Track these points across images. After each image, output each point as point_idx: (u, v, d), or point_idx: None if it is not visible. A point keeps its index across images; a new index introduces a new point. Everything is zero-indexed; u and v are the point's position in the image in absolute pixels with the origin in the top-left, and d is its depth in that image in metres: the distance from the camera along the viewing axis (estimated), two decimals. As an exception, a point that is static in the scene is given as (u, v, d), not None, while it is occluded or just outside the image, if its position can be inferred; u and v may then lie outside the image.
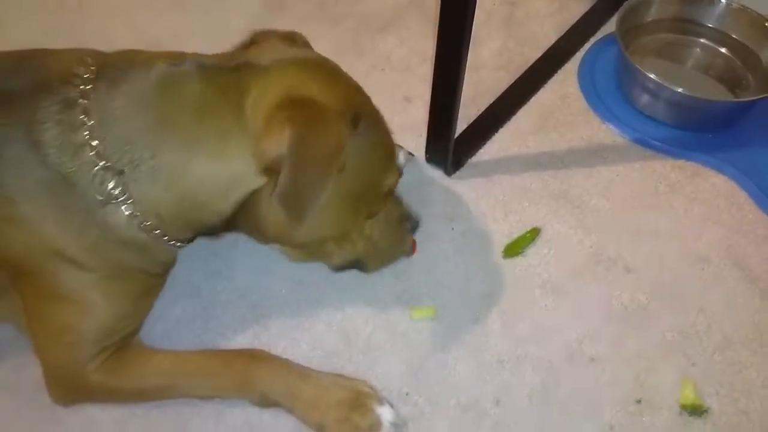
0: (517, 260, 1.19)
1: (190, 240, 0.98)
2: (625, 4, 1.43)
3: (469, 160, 1.33)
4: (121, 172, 0.85)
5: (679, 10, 1.48)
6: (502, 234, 1.22)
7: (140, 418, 0.99)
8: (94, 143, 0.84)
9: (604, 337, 1.10)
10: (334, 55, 1.26)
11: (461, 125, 1.31)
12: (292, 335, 1.09)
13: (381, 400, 0.97)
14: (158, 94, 0.86)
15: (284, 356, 1.02)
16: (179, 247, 0.97)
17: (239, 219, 0.92)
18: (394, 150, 1.01)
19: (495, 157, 1.34)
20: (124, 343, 0.97)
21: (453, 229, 1.21)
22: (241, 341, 1.08)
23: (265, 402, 0.98)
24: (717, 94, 1.41)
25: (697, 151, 1.33)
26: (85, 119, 0.84)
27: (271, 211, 0.89)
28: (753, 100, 1.33)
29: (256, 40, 0.98)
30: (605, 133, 1.38)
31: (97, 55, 0.91)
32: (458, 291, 1.14)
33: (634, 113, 1.40)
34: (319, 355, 1.06)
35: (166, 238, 0.92)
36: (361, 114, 0.90)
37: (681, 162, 1.33)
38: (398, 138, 1.00)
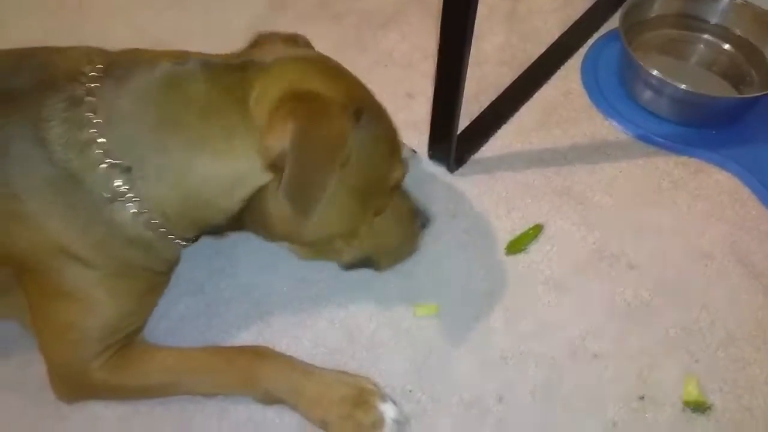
0: (520, 257, 1.19)
1: (195, 239, 0.98)
2: (629, 0, 1.42)
3: (472, 156, 1.32)
4: (127, 170, 0.86)
5: (682, 6, 1.48)
6: (505, 231, 1.21)
7: (144, 415, 1.00)
8: (101, 141, 0.85)
9: (607, 334, 1.10)
10: (336, 52, 1.25)
11: (464, 122, 1.30)
12: (296, 332, 1.09)
13: (384, 397, 0.98)
14: (164, 92, 0.86)
15: (287, 353, 1.02)
16: (184, 246, 0.97)
17: (246, 217, 0.92)
18: (400, 143, 1.00)
19: (498, 154, 1.33)
20: (128, 340, 0.97)
21: (456, 226, 1.21)
22: (245, 338, 1.08)
23: (269, 399, 0.98)
24: (720, 90, 1.41)
25: (700, 148, 1.33)
26: (91, 117, 0.85)
27: (278, 208, 0.89)
28: (757, 97, 1.32)
29: (258, 42, 0.99)
30: (608, 129, 1.38)
31: (102, 53, 0.91)
32: (461, 288, 1.14)
33: (637, 109, 1.39)
34: (323, 352, 1.06)
35: (171, 236, 0.92)
36: (364, 107, 0.90)
37: (684, 158, 1.33)
38: (401, 135, 1.00)
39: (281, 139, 0.82)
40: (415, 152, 1.30)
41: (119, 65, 0.88)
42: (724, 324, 1.11)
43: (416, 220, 1.08)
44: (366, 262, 1.07)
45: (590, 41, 1.53)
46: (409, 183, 1.07)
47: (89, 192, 0.86)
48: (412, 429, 1.00)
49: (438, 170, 1.30)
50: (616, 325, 1.11)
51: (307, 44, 1.02)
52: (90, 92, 0.85)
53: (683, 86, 1.29)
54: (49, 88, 0.86)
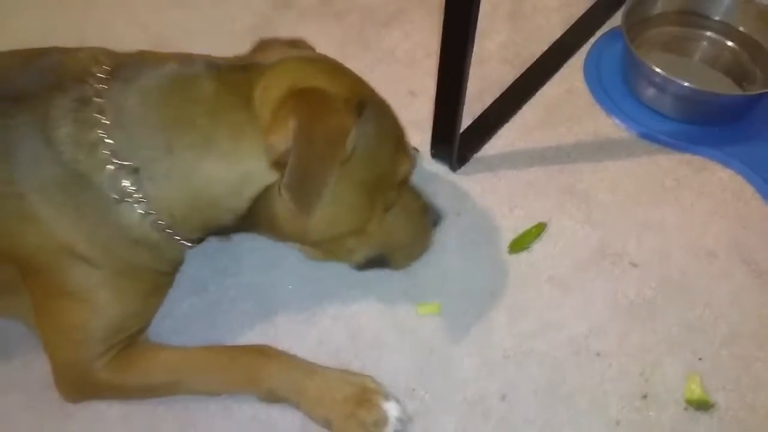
0: (523, 255, 1.19)
1: (200, 240, 0.99)
2: (631, -3, 1.42)
3: (475, 155, 1.32)
4: (135, 171, 0.86)
5: (685, 3, 1.47)
6: (508, 229, 1.21)
7: (147, 414, 1.00)
8: (109, 141, 0.85)
9: (610, 332, 1.10)
10: (338, 50, 1.25)
11: (466, 120, 1.30)
12: (299, 331, 1.09)
13: (387, 396, 0.98)
14: (172, 93, 0.87)
15: (291, 352, 1.02)
16: (189, 246, 0.97)
17: (254, 217, 0.93)
18: (405, 137, 1.01)
19: (500, 152, 1.33)
20: (132, 340, 0.97)
21: (458, 224, 1.21)
22: (249, 337, 1.08)
23: (272, 398, 0.98)
24: (724, 87, 1.40)
25: (703, 146, 1.32)
26: (100, 118, 0.85)
27: (285, 207, 0.90)
28: (760, 94, 1.32)
29: (260, 46, 1.00)
30: (611, 127, 1.38)
31: (109, 54, 0.92)
32: (464, 286, 1.14)
33: (640, 107, 1.39)
34: (326, 351, 1.07)
35: (177, 237, 0.93)
36: (366, 101, 0.90)
37: (687, 156, 1.33)
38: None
39: (285, 136, 0.83)
40: (417, 151, 1.30)
41: (126, 67, 0.89)
42: (728, 322, 1.11)
43: (427, 216, 1.09)
44: (379, 261, 1.07)
45: (593, 39, 1.53)
46: (412, 182, 1.07)
47: (97, 192, 0.86)
48: (414, 427, 1.00)
49: (440, 169, 1.30)
50: (619, 323, 1.11)
51: (309, 48, 1.03)
52: (98, 93, 0.86)
53: (687, 83, 1.29)
54: (56, 89, 0.86)
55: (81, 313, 0.92)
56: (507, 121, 1.38)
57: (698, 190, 1.28)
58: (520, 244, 1.19)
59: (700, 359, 1.07)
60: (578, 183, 1.28)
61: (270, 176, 0.88)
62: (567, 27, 1.55)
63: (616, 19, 1.54)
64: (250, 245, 1.17)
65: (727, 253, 1.19)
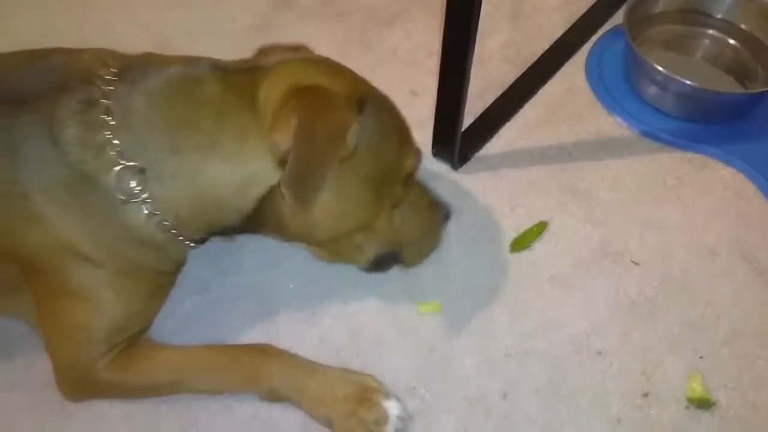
0: (524, 254, 1.18)
1: (204, 240, 0.99)
2: (633, -4, 1.42)
3: (476, 154, 1.32)
4: (142, 171, 0.87)
5: (687, 1, 1.47)
6: (509, 228, 1.21)
7: (149, 413, 1.00)
8: (116, 142, 0.86)
9: (612, 331, 1.10)
10: (340, 50, 1.26)
11: (468, 119, 1.30)
12: (300, 330, 1.09)
13: (388, 395, 0.98)
14: (178, 94, 0.88)
15: (292, 351, 1.02)
16: (193, 247, 0.98)
17: (260, 217, 0.93)
18: (409, 132, 1.01)
19: (502, 151, 1.33)
20: (134, 340, 0.97)
21: (460, 223, 1.21)
22: (250, 336, 1.08)
23: (273, 397, 0.99)
24: (726, 85, 1.40)
25: (705, 144, 1.32)
26: (107, 119, 0.86)
27: (289, 206, 0.90)
28: (762, 92, 1.32)
29: (262, 52, 1.00)
30: (613, 125, 1.38)
31: (115, 56, 0.93)
32: (465, 285, 1.14)
33: (641, 105, 1.39)
34: (327, 350, 1.07)
35: (181, 238, 0.93)
36: (367, 97, 0.91)
37: (689, 154, 1.32)
38: (406, 129, 1.01)
39: (287, 134, 0.83)
40: (418, 150, 1.30)
41: (133, 68, 0.90)
42: (729, 320, 1.11)
43: (437, 212, 1.09)
44: (390, 259, 1.07)
45: (594, 38, 1.53)
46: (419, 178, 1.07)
47: (103, 193, 0.87)
48: (415, 426, 1.00)
49: (442, 168, 1.30)
50: (620, 322, 1.11)
51: (310, 53, 1.04)
52: (105, 95, 0.87)
53: (688, 82, 1.28)
54: (62, 90, 0.87)
55: (84, 313, 0.92)
56: (508, 120, 1.38)
57: (700, 188, 1.28)
58: (522, 242, 1.19)
59: (701, 357, 1.07)
60: (580, 182, 1.28)
61: (275, 176, 0.88)
62: (568, 26, 1.55)
63: (617, 18, 1.54)
64: (252, 245, 1.17)
65: (729, 252, 1.19)
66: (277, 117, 0.85)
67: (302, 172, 0.84)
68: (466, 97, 1.18)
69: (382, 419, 0.96)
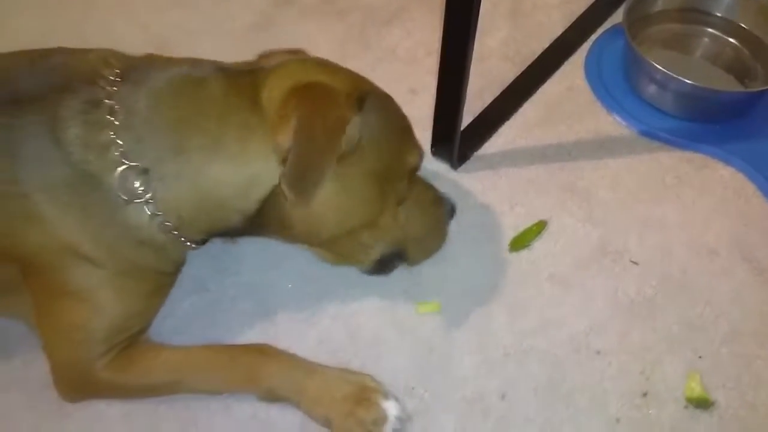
0: (524, 253, 1.18)
1: (204, 241, 0.99)
2: (633, -5, 1.42)
3: (475, 153, 1.32)
4: (145, 171, 0.87)
5: (686, 0, 1.47)
6: (509, 227, 1.21)
7: (148, 413, 1.00)
8: (120, 143, 0.86)
9: (611, 330, 1.10)
10: (339, 48, 1.25)
11: (467, 118, 1.30)
12: (299, 330, 1.09)
13: (386, 395, 0.98)
14: (181, 95, 0.89)
15: (291, 351, 1.02)
16: (193, 248, 0.98)
17: (264, 218, 0.93)
18: (410, 128, 1.01)
19: (501, 150, 1.33)
20: (133, 340, 0.97)
21: (459, 222, 1.21)
22: (249, 336, 1.08)
23: (272, 397, 0.99)
24: (725, 84, 1.40)
25: (704, 143, 1.32)
26: (110, 119, 0.86)
27: (291, 201, 0.90)
28: (762, 91, 1.32)
29: (262, 56, 1.01)
30: (612, 124, 1.38)
31: (118, 56, 0.94)
32: (464, 285, 1.14)
33: (641, 104, 1.39)
34: (325, 350, 1.07)
35: (182, 239, 0.93)
36: (368, 93, 0.92)
37: (689, 154, 1.32)
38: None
39: (290, 134, 0.84)
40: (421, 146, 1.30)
41: (136, 69, 0.90)
42: (728, 320, 1.11)
43: (441, 208, 1.09)
44: (396, 258, 1.07)
45: (594, 36, 1.52)
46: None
47: (106, 193, 0.87)
48: (414, 426, 1.00)
49: (441, 167, 1.30)
50: (619, 321, 1.11)
51: (307, 55, 1.04)
52: (108, 95, 0.87)
53: (688, 80, 1.28)
54: (65, 91, 0.87)
55: (83, 313, 0.92)
56: (508, 119, 1.38)
57: (699, 187, 1.28)
58: (521, 241, 1.19)
59: (700, 357, 1.07)
60: (579, 181, 1.28)
61: (278, 176, 0.88)
62: (568, 24, 1.55)
63: (617, 17, 1.54)
64: (251, 245, 1.17)
65: (728, 251, 1.19)
66: (280, 117, 0.86)
67: (301, 166, 0.85)
68: (465, 95, 1.18)
69: (381, 419, 0.96)
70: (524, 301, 1.13)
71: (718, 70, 1.43)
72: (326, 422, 0.97)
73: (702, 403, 1.02)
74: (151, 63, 0.92)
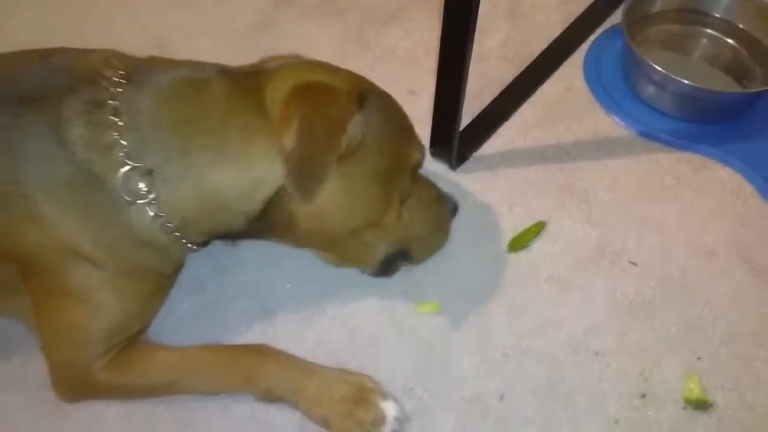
0: (522, 254, 1.18)
1: (206, 243, 0.99)
2: (631, -5, 1.42)
3: (474, 153, 1.32)
4: (149, 173, 0.87)
5: (685, 1, 1.47)
6: (507, 228, 1.21)
7: (146, 414, 1.00)
8: (124, 143, 0.86)
9: (609, 331, 1.10)
10: (339, 48, 1.25)
11: (466, 118, 1.30)
12: (298, 330, 1.09)
13: (385, 395, 0.98)
14: (186, 96, 0.89)
15: (290, 351, 1.02)
16: (195, 250, 0.98)
17: (269, 220, 0.93)
18: (411, 126, 1.02)
19: (500, 151, 1.33)
20: (132, 341, 0.97)
21: (458, 223, 1.21)
22: (247, 336, 1.08)
23: (270, 397, 0.98)
24: (724, 85, 1.40)
25: (703, 144, 1.32)
26: (114, 120, 0.86)
27: (296, 204, 0.91)
28: (760, 92, 1.32)
29: (264, 60, 1.01)
30: (611, 125, 1.38)
31: (121, 57, 0.94)
32: (463, 285, 1.14)
33: (640, 105, 1.39)
34: (324, 350, 1.07)
35: (184, 240, 0.93)
36: (368, 92, 0.92)
37: (687, 154, 1.32)
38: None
39: (293, 134, 0.84)
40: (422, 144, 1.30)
41: (140, 70, 0.91)
42: (727, 321, 1.11)
43: (444, 206, 1.09)
44: (400, 257, 1.07)
45: (593, 37, 1.52)
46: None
47: (108, 193, 0.87)
48: (412, 426, 1.00)
49: (440, 167, 1.30)
50: (617, 322, 1.11)
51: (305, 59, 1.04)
52: (113, 96, 0.87)
53: (686, 81, 1.28)
54: (69, 91, 0.87)
55: (82, 314, 0.92)
56: (506, 120, 1.38)
57: (698, 188, 1.28)
58: (520, 242, 1.19)
59: (699, 358, 1.07)
60: (578, 181, 1.28)
61: (282, 177, 0.89)
62: (566, 25, 1.55)
63: (615, 17, 1.54)
64: (249, 245, 1.16)
65: (727, 252, 1.19)
66: (283, 119, 0.86)
67: (305, 164, 0.85)
68: (464, 96, 1.18)
69: (380, 420, 0.96)
70: (523, 301, 1.13)
71: (717, 71, 1.43)
72: (325, 423, 0.97)
73: (701, 404, 1.02)
74: (153, 65, 0.93)
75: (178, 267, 1.02)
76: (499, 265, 1.17)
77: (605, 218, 1.23)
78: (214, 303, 1.12)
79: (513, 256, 1.18)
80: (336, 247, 1.02)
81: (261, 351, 1.00)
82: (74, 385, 0.97)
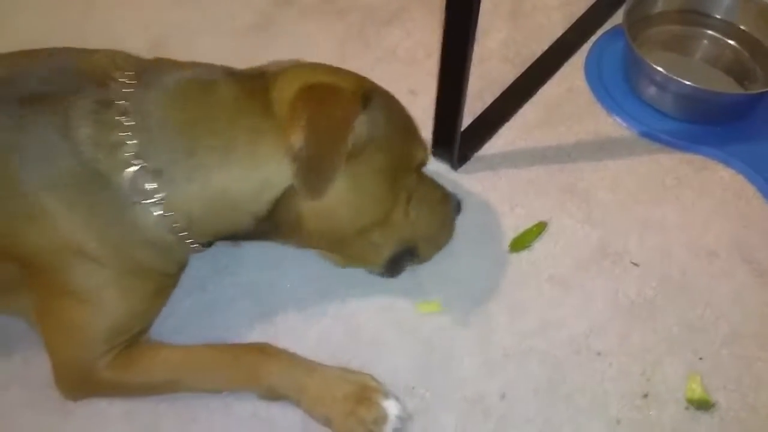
0: (524, 254, 1.18)
1: (211, 244, 0.99)
2: (633, -4, 1.42)
3: (475, 154, 1.32)
4: (157, 172, 0.87)
5: (686, 2, 1.47)
6: (509, 228, 1.21)
7: (148, 411, 1.00)
8: (132, 143, 0.86)
9: (611, 332, 1.10)
10: (339, 48, 1.25)
11: (467, 119, 1.30)
12: (299, 330, 1.09)
13: (387, 394, 0.98)
14: (194, 98, 0.90)
15: (291, 350, 1.02)
16: (199, 250, 0.98)
17: (276, 221, 0.94)
18: (415, 125, 1.02)
19: (501, 151, 1.33)
20: (134, 340, 0.97)
21: (459, 223, 1.21)
22: (249, 335, 1.08)
23: (272, 395, 0.99)
24: (725, 86, 1.40)
25: (704, 145, 1.32)
26: (122, 120, 0.86)
27: (308, 205, 0.91)
28: (761, 93, 1.32)
29: (267, 65, 1.00)
30: (612, 126, 1.38)
31: (128, 58, 0.94)
32: (464, 285, 1.14)
33: (641, 106, 1.39)
34: (326, 350, 1.06)
35: (189, 240, 0.93)
36: (372, 92, 0.93)
37: (688, 155, 1.32)
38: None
39: (301, 134, 0.85)
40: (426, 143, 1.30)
41: (147, 71, 0.91)
42: (729, 321, 1.11)
43: (448, 204, 1.10)
44: (406, 255, 1.07)
45: (594, 38, 1.52)
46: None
47: (115, 193, 0.87)
48: (414, 425, 1.00)
49: (441, 168, 1.30)
50: (619, 322, 1.11)
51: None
52: (120, 96, 0.87)
53: (688, 82, 1.28)
54: (76, 91, 0.87)
55: (85, 313, 0.92)
56: (507, 120, 1.38)
57: (699, 189, 1.28)
58: (521, 242, 1.19)
59: (700, 359, 1.07)
60: (579, 182, 1.28)
61: (290, 177, 0.89)
62: (568, 25, 1.55)
63: (617, 18, 1.54)
64: (250, 246, 1.16)
65: (728, 253, 1.19)
66: (290, 119, 0.87)
67: (313, 161, 0.86)
68: (465, 96, 1.18)
69: (381, 418, 0.96)
70: (524, 301, 1.13)
71: (718, 72, 1.43)
72: (327, 421, 0.97)
73: (703, 405, 1.02)
74: (161, 66, 0.93)
75: (182, 267, 1.02)
76: (501, 265, 1.17)
77: (606, 219, 1.23)
78: (215, 303, 1.12)
79: (514, 256, 1.18)
80: (343, 247, 1.02)
81: (263, 349, 1.00)
82: (77, 383, 0.97)
